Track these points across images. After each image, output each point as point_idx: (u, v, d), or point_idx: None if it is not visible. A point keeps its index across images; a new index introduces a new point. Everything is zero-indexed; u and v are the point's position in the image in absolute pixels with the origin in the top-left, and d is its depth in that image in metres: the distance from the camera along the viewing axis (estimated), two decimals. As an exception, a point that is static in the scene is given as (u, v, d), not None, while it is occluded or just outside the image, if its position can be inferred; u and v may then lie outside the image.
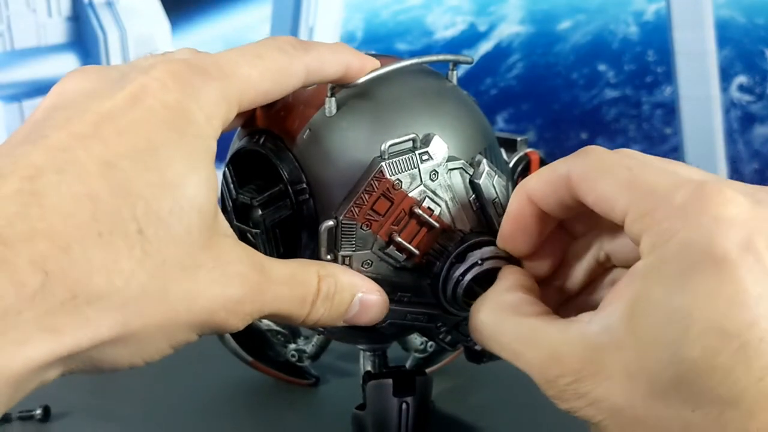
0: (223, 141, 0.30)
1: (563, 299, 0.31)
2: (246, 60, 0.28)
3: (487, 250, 0.32)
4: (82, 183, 0.24)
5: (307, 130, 0.33)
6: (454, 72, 0.37)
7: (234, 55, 0.29)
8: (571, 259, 0.31)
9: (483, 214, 0.33)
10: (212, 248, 0.26)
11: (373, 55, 0.34)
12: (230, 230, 0.28)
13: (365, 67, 0.32)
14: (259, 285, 0.27)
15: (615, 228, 0.28)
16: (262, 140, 0.34)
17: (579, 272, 0.31)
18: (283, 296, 0.28)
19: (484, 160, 0.33)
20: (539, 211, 0.29)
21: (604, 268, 0.31)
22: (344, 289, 0.30)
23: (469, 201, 0.33)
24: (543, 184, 0.29)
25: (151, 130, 0.25)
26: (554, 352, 0.26)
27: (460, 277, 0.32)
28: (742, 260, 0.23)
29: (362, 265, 0.32)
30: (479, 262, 0.32)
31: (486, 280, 0.32)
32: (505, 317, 0.28)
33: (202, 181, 0.26)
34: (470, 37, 0.85)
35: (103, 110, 0.25)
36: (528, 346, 0.27)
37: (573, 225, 0.31)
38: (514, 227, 0.30)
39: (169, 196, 0.25)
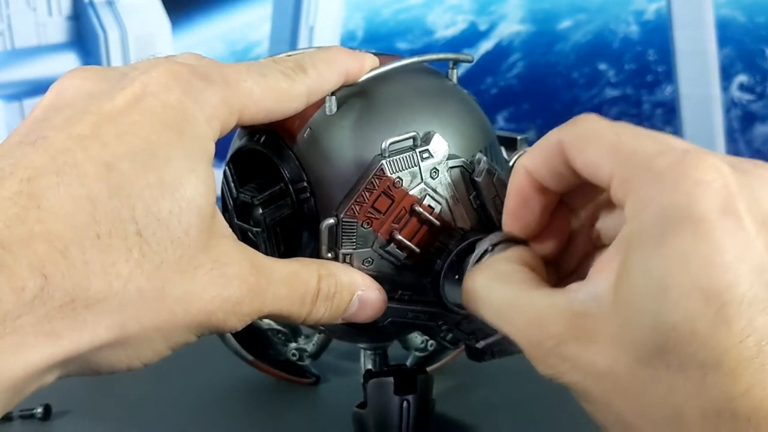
0: (224, 141, 0.30)
1: (559, 278, 0.31)
2: (250, 75, 0.28)
3: (495, 237, 0.31)
4: (81, 185, 0.24)
5: (308, 129, 0.33)
6: (455, 71, 0.37)
7: (238, 68, 0.29)
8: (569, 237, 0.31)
9: (483, 212, 0.33)
10: (211, 249, 0.26)
11: (373, 54, 0.34)
12: (229, 231, 0.28)
13: (364, 68, 0.32)
14: (257, 285, 0.27)
15: (609, 203, 0.28)
16: (262, 139, 0.34)
17: (574, 250, 0.31)
18: (283, 296, 0.28)
19: (485, 159, 0.33)
20: (538, 185, 0.29)
21: (595, 247, 0.31)
22: (344, 288, 0.30)
23: (470, 199, 0.33)
24: (537, 154, 0.28)
25: (150, 131, 0.25)
26: (539, 316, 0.26)
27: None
28: (721, 222, 0.23)
29: (363, 263, 0.32)
30: (489, 248, 0.31)
31: None
32: (494, 282, 0.28)
33: (201, 182, 0.26)
34: (471, 36, 0.85)
35: (102, 111, 0.25)
36: (513, 310, 0.27)
37: (572, 199, 0.31)
38: (516, 203, 0.30)
39: (168, 196, 0.25)
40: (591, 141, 0.26)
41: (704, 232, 0.23)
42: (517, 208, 0.30)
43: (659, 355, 0.23)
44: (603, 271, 0.25)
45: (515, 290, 0.28)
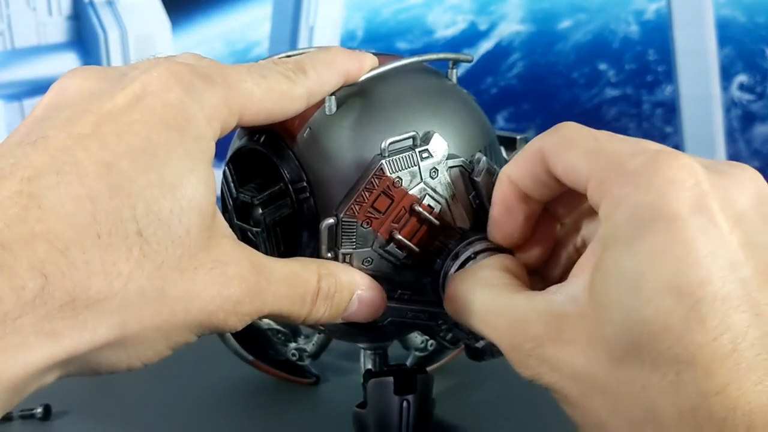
0: (224, 141, 0.30)
1: (545, 287, 0.32)
2: (250, 76, 0.28)
3: (479, 245, 0.32)
4: (82, 184, 0.23)
5: (307, 129, 0.33)
6: (454, 70, 0.37)
7: (239, 69, 0.29)
8: (554, 247, 0.32)
9: (483, 212, 0.33)
10: (211, 249, 0.26)
11: (372, 54, 0.34)
12: (229, 230, 0.28)
13: (363, 68, 0.32)
14: (257, 285, 0.27)
15: (591, 211, 0.29)
16: (262, 139, 0.34)
17: (558, 259, 0.31)
18: (283, 296, 0.28)
19: (484, 158, 0.33)
20: (522, 194, 0.29)
21: (579, 255, 0.31)
22: (344, 288, 0.31)
23: (469, 199, 0.33)
24: (520, 163, 0.29)
25: (150, 130, 0.25)
26: (519, 319, 0.26)
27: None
28: (693, 220, 0.23)
29: (363, 263, 0.32)
30: (472, 255, 0.32)
31: None
32: (476, 288, 0.29)
33: (201, 181, 0.26)
34: (471, 36, 0.85)
35: (103, 110, 0.25)
36: (494, 314, 0.27)
37: (556, 209, 0.31)
38: (501, 212, 0.30)
39: (168, 196, 0.25)
40: (570, 146, 0.27)
41: (677, 230, 0.23)
42: (501, 218, 0.30)
43: (633, 352, 0.23)
44: (580, 272, 0.25)
45: (496, 295, 0.28)
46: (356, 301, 0.31)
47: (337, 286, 0.30)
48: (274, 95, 0.29)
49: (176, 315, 0.25)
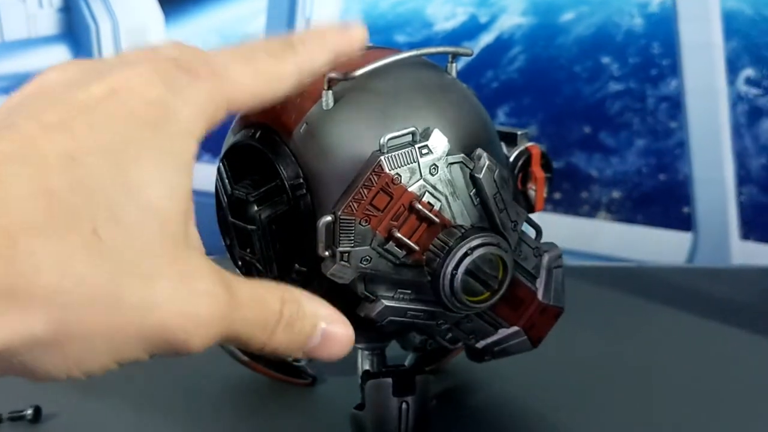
0: (218, 136, 0.29)
1: None
2: (237, 61, 0.27)
3: (474, 239, 0.31)
4: (42, 176, 0.22)
5: (304, 124, 0.32)
6: (454, 64, 0.36)
7: (224, 56, 0.27)
8: None
9: (484, 209, 0.32)
10: (177, 259, 0.24)
11: (370, 48, 0.33)
12: (199, 243, 0.26)
13: (353, 43, 0.30)
14: (228, 305, 0.25)
15: None
16: (257, 134, 0.33)
17: None
18: (248, 319, 0.26)
19: (485, 154, 0.32)
20: None
21: None
22: (306, 317, 0.28)
23: (470, 196, 0.32)
24: None
25: (125, 126, 0.24)
26: None
27: (454, 271, 0.31)
28: None
29: (361, 262, 0.31)
30: (468, 252, 0.31)
31: (481, 270, 0.32)
32: None
33: (170, 185, 0.24)
34: (471, 29, 0.84)
35: (76, 101, 0.24)
36: None
37: None
38: None
39: (132, 197, 0.23)
40: None
41: None
42: None
43: None
44: None
45: None
46: (320, 334, 0.28)
47: (299, 313, 0.28)
48: (263, 78, 0.28)
49: (128, 324, 0.23)
